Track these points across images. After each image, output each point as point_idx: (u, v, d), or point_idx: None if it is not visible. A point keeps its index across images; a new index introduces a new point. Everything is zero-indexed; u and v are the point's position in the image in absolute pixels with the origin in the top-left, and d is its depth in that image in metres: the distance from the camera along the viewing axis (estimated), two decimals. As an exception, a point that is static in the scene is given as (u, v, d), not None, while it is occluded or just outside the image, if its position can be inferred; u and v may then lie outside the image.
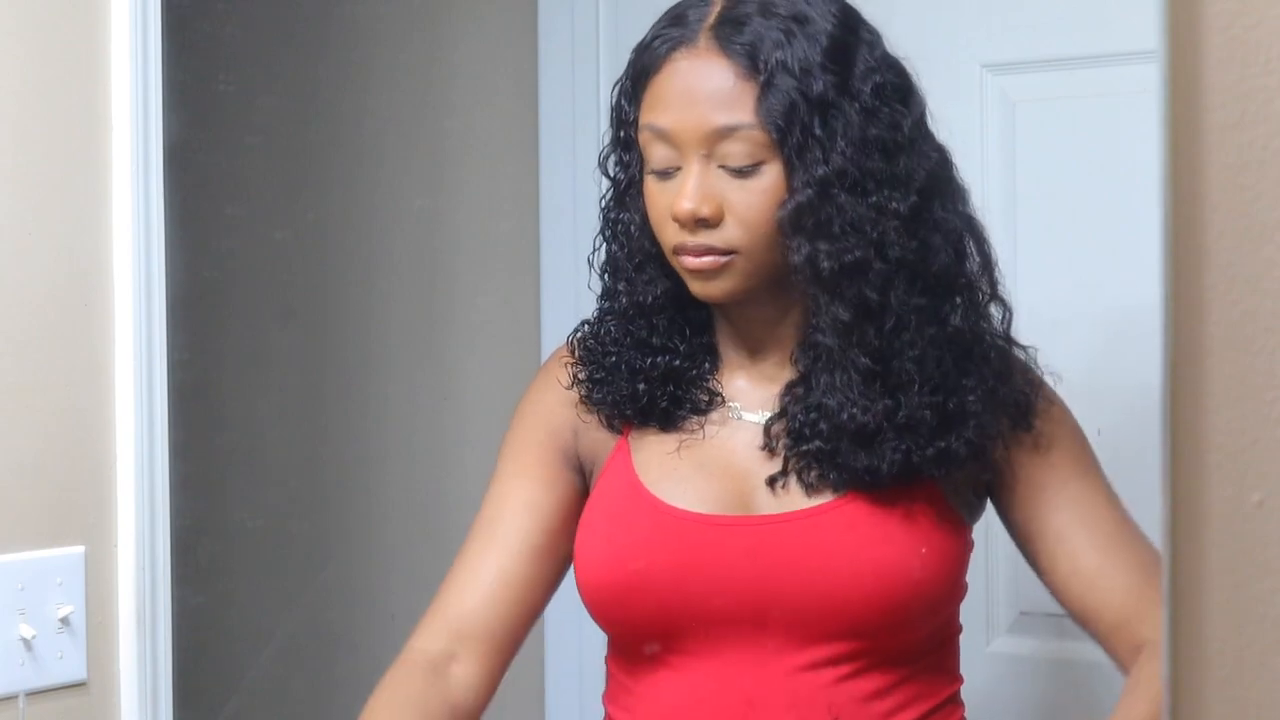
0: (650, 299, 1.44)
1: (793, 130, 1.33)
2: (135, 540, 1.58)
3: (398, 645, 1.45)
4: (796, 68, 1.33)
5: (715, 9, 1.37)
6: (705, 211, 1.35)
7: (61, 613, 1.54)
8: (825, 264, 1.34)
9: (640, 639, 1.43)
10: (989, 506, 1.47)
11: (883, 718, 1.39)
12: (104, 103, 1.57)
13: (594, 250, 1.50)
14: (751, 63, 1.34)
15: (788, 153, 1.34)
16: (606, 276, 1.48)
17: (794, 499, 1.40)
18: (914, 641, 1.41)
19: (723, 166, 1.35)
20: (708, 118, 1.35)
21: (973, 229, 1.42)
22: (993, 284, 1.43)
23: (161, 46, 1.60)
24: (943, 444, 1.37)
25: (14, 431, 1.52)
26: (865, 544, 1.37)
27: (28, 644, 1.51)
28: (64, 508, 1.55)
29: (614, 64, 2.26)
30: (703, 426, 1.45)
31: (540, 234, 2.36)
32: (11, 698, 1.51)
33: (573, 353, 1.49)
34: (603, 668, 1.51)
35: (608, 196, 1.48)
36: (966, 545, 1.44)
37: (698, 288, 1.39)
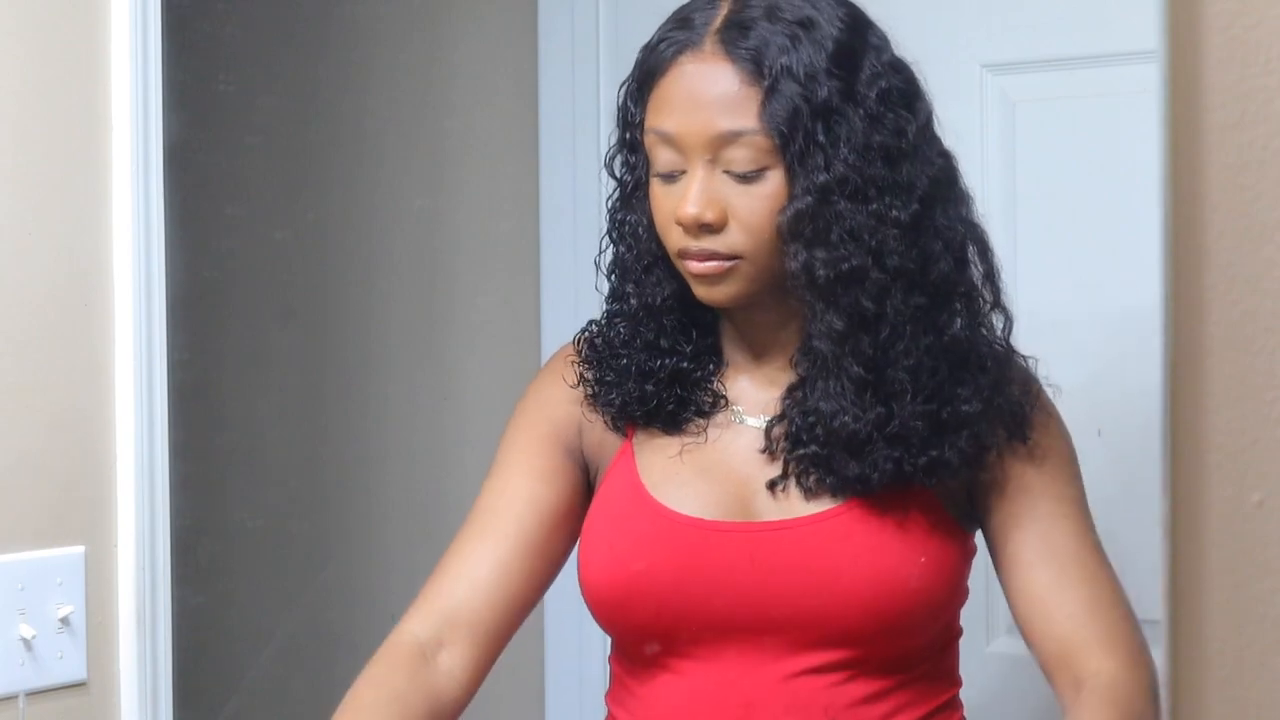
0: (659, 301, 1.44)
1: (795, 136, 1.33)
2: (135, 540, 1.58)
3: (397, 646, 1.45)
4: (801, 73, 1.33)
5: (722, 12, 1.36)
6: (708, 216, 1.35)
7: (61, 613, 1.54)
8: (821, 271, 1.34)
9: (641, 641, 1.43)
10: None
11: (880, 722, 1.39)
12: (104, 103, 1.57)
13: (600, 252, 1.49)
14: (756, 68, 1.33)
15: (790, 159, 1.33)
16: (614, 278, 1.48)
17: (794, 505, 1.40)
18: (913, 647, 1.41)
19: (727, 171, 1.35)
20: (712, 122, 1.34)
21: (976, 236, 1.41)
22: (995, 292, 1.42)
23: (161, 46, 1.60)
24: (935, 453, 1.36)
25: (14, 431, 1.52)
26: (863, 552, 1.37)
27: (28, 644, 1.51)
28: (64, 508, 1.55)
29: (614, 64, 2.26)
30: (705, 430, 1.44)
31: (540, 234, 2.36)
32: (11, 698, 1.51)
33: (579, 353, 1.49)
34: (602, 668, 1.51)
35: (614, 198, 1.47)
36: (966, 553, 1.43)
37: (702, 292, 1.39)
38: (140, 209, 1.58)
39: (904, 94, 1.37)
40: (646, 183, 1.41)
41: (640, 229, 1.43)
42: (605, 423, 1.47)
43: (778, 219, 1.35)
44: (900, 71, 1.39)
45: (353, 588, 2.46)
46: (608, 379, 1.46)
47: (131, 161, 1.57)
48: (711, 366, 1.46)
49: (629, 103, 1.42)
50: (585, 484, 1.49)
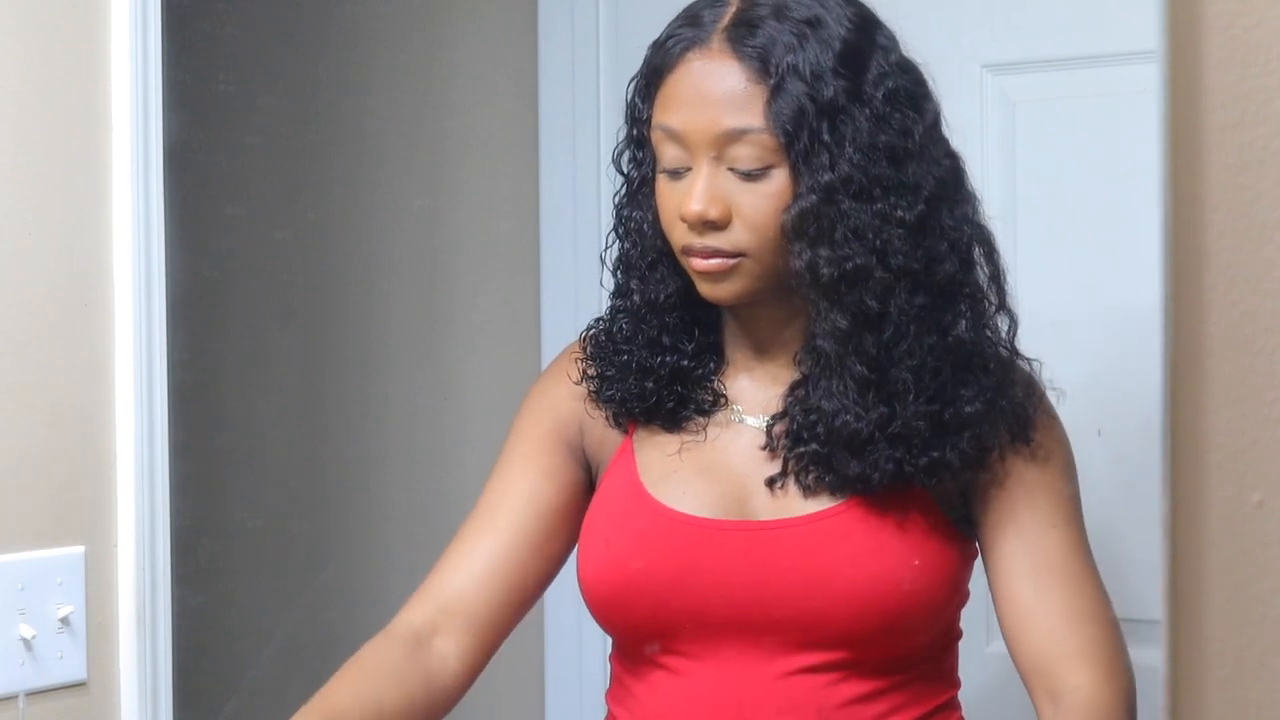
0: (662, 297, 1.44)
1: (800, 135, 1.33)
2: (135, 540, 1.58)
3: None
4: (807, 72, 1.33)
5: (730, 10, 1.37)
6: (713, 214, 1.35)
7: (61, 613, 1.54)
8: (825, 270, 1.34)
9: (639, 639, 1.43)
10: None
11: (875, 723, 1.39)
12: (104, 103, 1.57)
13: (605, 248, 1.50)
14: (763, 66, 1.34)
15: (795, 157, 1.33)
16: (618, 274, 1.48)
17: (792, 504, 1.40)
18: (909, 649, 1.41)
19: (732, 169, 1.35)
20: (718, 120, 1.34)
21: (982, 238, 1.41)
22: (1001, 294, 1.42)
23: (161, 46, 1.60)
24: (936, 454, 1.37)
25: (14, 431, 1.52)
26: (859, 553, 1.37)
27: (28, 644, 1.51)
28: (64, 508, 1.55)
29: (614, 64, 2.26)
30: (705, 429, 1.45)
31: (540, 234, 2.36)
32: (11, 698, 1.51)
33: (584, 349, 1.49)
34: (602, 667, 1.51)
35: (621, 194, 1.48)
36: (966, 556, 1.43)
37: (706, 289, 1.39)
38: (140, 209, 1.58)
39: (911, 94, 1.38)
40: (653, 179, 1.42)
41: (645, 225, 1.44)
42: (606, 420, 1.47)
43: (782, 217, 1.35)
44: (908, 72, 1.39)
45: (353, 588, 2.46)
46: (609, 375, 1.46)
47: (131, 161, 1.57)
48: (712, 365, 1.46)
49: (637, 99, 1.43)
50: (587, 481, 1.49)
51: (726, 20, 1.36)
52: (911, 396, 1.36)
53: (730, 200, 1.35)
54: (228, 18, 2.35)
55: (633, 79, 1.43)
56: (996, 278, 1.42)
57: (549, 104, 2.34)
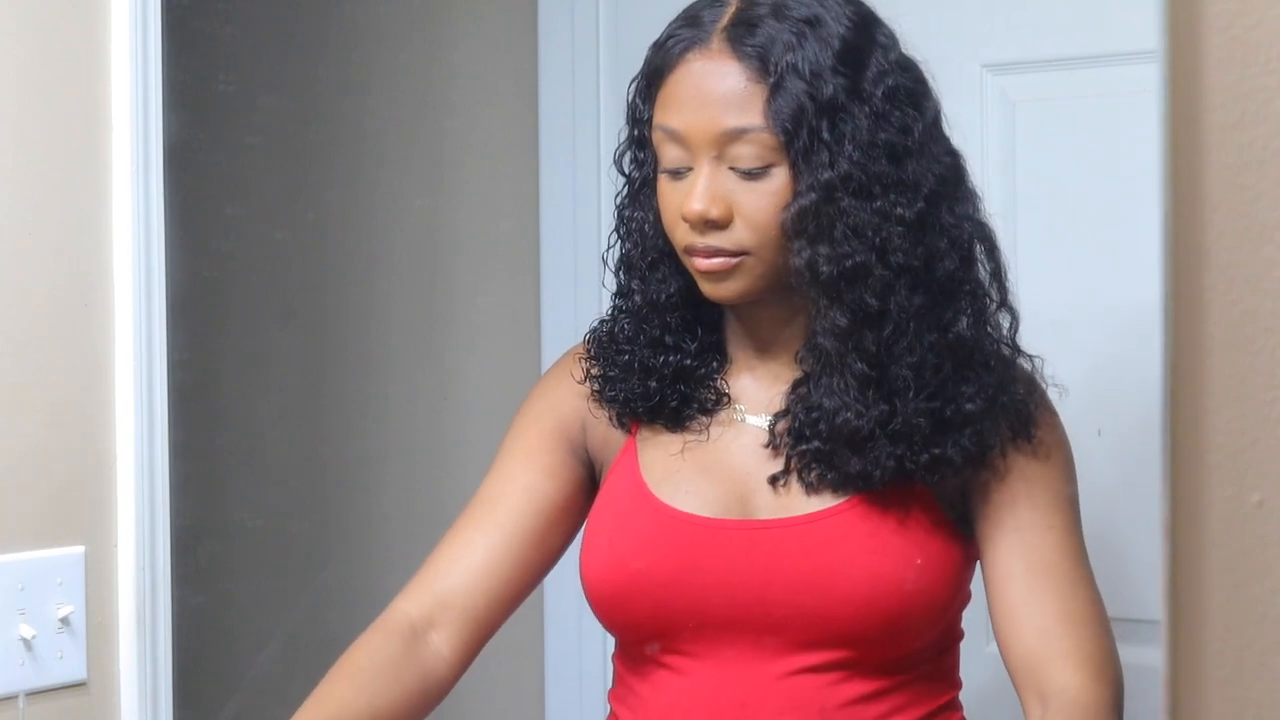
0: (664, 297, 1.44)
1: (800, 133, 1.33)
2: (135, 540, 1.58)
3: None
4: (807, 71, 1.33)
5: (729, 10, 1.37)
6: (714, 213, 1.35)
7: (61, 613, 1.54)
8: (825, 268, 1.34)
9: (641, 639, 1.43)
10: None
11: (876, 723, 1.39)
12: (104, 103, 1.57)
13: (607, 248, 1.50)
14: (762, 65, 1.34)
15: (794, 155, 1.34)
16: (621, 274, 1.48)
17: (794, 503, 1.40)
18: (911, 649, 1.41)
19: (733, 168, 1.35)
20: (718, 119, 1.35)
21: (983, 235, 1.42)
22: (1002, 291, 1.42)
23: (161, 46, 1.60)
24: (937, 451, 1.37)
25: (14, 431, 1.52)
26: (860, 553, 1.37)
27: (28, 644, 1.51)
28: (64, 508, 1.55)
29: (614, 64, 2.26)
30: (707, 428, 1.45)
31: (540, 234, 2.36)
32: (11, 698, 1.51)
33: (587, 349, 1.50)
34: (602, 665, 1.51)
35: (623, 194, 1.48)
36: (968, 556, 1.43)
37: (708, 288, 1.40)
38: (140, 209, 1.58)
39: (911, 92, 1.38)
40: (654, 179, 1.42)
41: (647, 225, 1.44)
42: (610, 419, 1.47)
43: (782, 215, 1.35)
44: (908, 70, 1.39)
45: (353, 588, 2.46)
46: (612, 375, 1.46)
47: (131, 161, 1.57)
48: (715, 364, 1.47)
49: (638, 100, 1.43)
50: (588, 480, 1.49)
51: (726, 20, 1.36)
52: (912, 393, 1.36)
53: (731, 199, 1.35)
54: (228, 18, 2.35)
55: (633, 80, 1.44)
56: (997, 275, 1.42)
57: (549, 104, 2.34)
